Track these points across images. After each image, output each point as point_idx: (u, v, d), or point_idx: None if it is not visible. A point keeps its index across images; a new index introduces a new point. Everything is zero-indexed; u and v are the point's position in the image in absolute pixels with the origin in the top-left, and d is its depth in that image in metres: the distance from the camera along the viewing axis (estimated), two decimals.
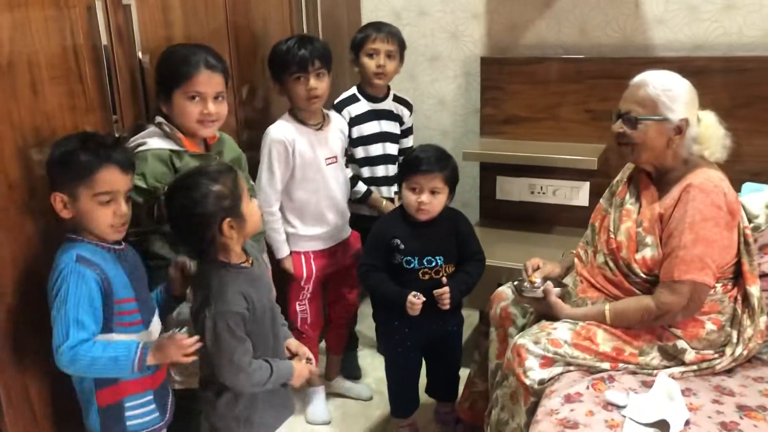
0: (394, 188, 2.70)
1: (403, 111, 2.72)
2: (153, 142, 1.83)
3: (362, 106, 2.59)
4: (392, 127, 2.67)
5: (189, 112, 1.87)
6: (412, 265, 2.19)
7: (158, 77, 1.92)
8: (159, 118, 1.89)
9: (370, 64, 2.54)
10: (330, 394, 2.72)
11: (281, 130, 2.28)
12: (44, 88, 1.66)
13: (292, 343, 1.90)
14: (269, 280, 1.86)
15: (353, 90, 2.63)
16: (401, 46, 2.60)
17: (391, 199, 2.68)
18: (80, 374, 1.60)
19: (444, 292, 2.15)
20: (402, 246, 2.18)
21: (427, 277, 2.20)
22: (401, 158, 2.63)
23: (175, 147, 1.86)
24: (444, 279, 2.18)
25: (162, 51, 1.92)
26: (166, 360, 1.60)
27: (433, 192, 2.13)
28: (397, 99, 2.71)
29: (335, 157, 2.39)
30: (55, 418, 1.76)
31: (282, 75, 2.27)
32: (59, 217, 1.60)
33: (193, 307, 1.71)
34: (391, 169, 2.67)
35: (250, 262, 1.73)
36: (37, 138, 1.65)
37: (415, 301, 2.12)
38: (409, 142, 2.78)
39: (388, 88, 2.68)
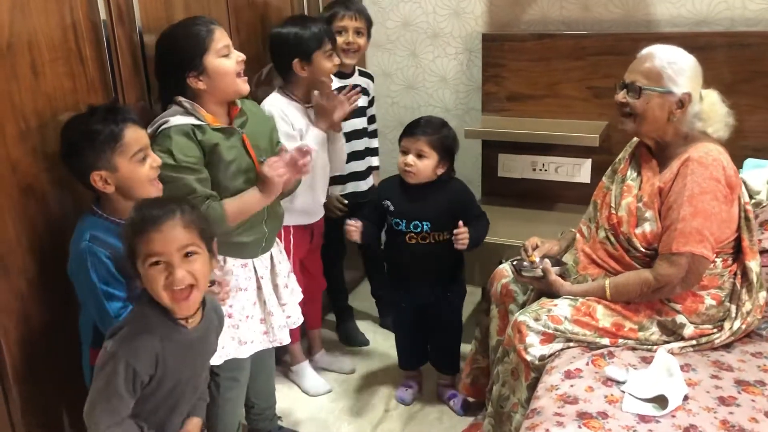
0: (365, 162, 2.76)
1: (369, 84, 2.79)
2: (174, 119, 1.83)
3: (332, 83, 2.58)
4: (362, 101, 2.69)
5: (227, 67, 1.87)
6: (400, 227, 2.32)
7: (177, 55, 1.84)
8: (179, 98, 1.87)
9: (338, 40, 2.54)
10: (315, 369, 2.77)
11: (275, 104, 2.31)
12: (45, 69, 1.66)
13: (195, 423, 1.65)
14: (210, 346, 1.63)
15: None
16: (369, 22, 2.64)
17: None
18: None
19: (463, 231, 2.23)
20: (392, 208, 2.32)
21: (413, 241, 2.31)
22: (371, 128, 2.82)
23: (196, 122, 1.85)
24: (431, 241, 2.30)
25: (162, 37, 1.88)
26: None
27: (419, 156, 2.24)
28: (362, 73, 2.76)
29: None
30: (64, 393, 1.79)
31: (314, 52, 2.29)
32: (66, 195, 1.63)
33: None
34: (357, 145, 2.69)
35: (198, 320, 1.52)
36: (39, 120, 1.65)
37: (349, 222, 2.28)
38: (373, 110, 2.87)
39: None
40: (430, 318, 2.47)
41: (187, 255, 1.41)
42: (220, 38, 1.86)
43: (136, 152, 1.61)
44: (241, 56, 1.90)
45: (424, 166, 2.24)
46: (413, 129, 2.26)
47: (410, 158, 2.24)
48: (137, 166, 1.62)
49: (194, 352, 1.54)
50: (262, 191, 1.89)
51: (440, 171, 2.28)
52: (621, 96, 1.95)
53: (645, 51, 1.95)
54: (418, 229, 2.29)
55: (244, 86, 1.92)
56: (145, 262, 1.39)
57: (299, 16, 2.41)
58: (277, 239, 2.16)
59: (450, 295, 2.42)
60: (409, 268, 2.37)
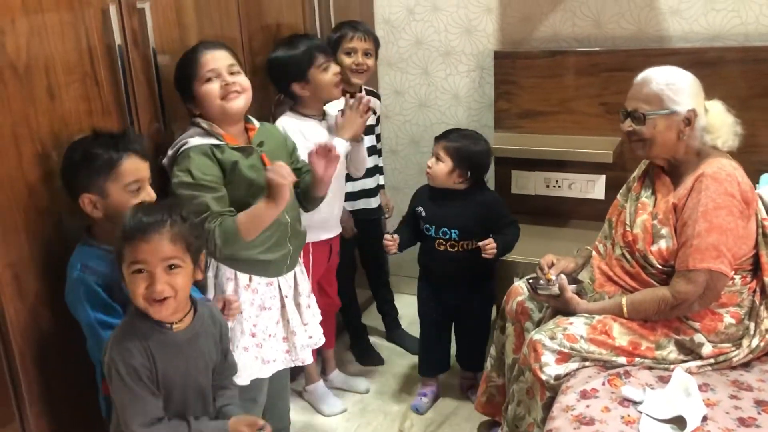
0: (374, 179, 2.81)
1: (376, 102, 2.81)
2: (193, 140, 1.86)
3: (338, 104, 2.56)
4: (370, 120, 2.69)
5: (210, 92, 1.88)
6: (430, 233, 2.45)
7: (177, 86, 1.95)
8: (197, 119, 1.91)
9: (347, 61, 2.56)
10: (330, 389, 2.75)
11: (289, 125, 2.31)
12: (61, 92, 1.68)
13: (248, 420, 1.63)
14: (202, 352, 1.58)
15: None
16: (377, 44, 2.67)
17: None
18: None
19: (489, 242, 2.35)
20: (423, 214, 2.46)
21: (442, 248, 2.44)
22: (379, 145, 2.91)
23: (215, 141, 1.88)
24: (459, 249, 2.42)
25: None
26: None
27: (438, 159, 2.39)
28: (368, 92, 2.76)
29: None
30: (76, 410, 1.79)
31: (308, 70, 2.29)
32: (77, 217, 1.64)
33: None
34: (367, 162, 2.68)
35: (185, 324, 1.53)
36: (55, 142, 1.67)
37: (387, 236, 2.43)
38: (379, 129, 2.93)
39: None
40: (457, 321, 2.60)
41: (170, 267, 1.43)
42: (205, 64, 1.88)
43: (131, 182, 1.62)
44: (227, 80, 1.89)
45: (438, 169, 2.38)
46: (441, 134, 2.44)
47: (431, 160, 2.41)
48: (129, 196, 1.62)
49: (184, 355, 1.53)
50: (270, 198, 1.83)
51: (457, 179, 2.39)
52: (627, 125, 1.95)
53: (640, 77, 1.95)
54: (447, 237, 2.41)
55: (229, 105, 1.90)
56: (129, 267, 1.43)
57: (288, 38, 2.38)
58: (300, 259, 2.16)
59: (479, 310, 2.51)
60: (439, 273, 2.50)
